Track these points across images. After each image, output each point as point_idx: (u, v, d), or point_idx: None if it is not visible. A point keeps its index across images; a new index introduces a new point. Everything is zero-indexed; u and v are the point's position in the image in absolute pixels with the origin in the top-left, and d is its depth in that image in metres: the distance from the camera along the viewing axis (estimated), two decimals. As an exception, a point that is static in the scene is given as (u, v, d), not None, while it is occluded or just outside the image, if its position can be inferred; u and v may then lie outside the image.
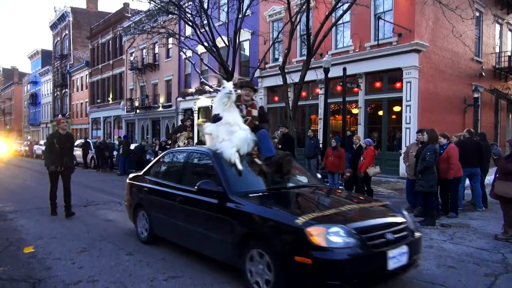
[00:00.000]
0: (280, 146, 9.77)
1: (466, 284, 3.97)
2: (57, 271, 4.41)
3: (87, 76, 40.81)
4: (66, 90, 46.61)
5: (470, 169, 8.05)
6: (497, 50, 18.71)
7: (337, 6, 13.33)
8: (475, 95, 16.52)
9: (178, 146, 8.49)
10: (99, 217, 7.56)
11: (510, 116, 20.02)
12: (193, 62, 19.88)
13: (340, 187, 10.19)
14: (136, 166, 16.70)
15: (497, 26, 18.68)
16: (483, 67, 17.42)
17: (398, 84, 14.41)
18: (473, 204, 8.38)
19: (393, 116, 14.97)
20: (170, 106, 27.31)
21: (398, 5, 14.11)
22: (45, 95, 54.66)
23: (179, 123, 26.30)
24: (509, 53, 19.06)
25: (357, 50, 15.34)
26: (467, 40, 15.62)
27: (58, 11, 48.15)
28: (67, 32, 46.07)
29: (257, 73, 18.61)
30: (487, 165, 8.57)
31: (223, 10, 19.11)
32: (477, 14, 16.60)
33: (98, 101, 38.16)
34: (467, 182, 8.57)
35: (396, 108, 14.69)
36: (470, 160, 7.99)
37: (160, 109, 28.36)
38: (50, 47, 53.25)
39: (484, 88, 17.31)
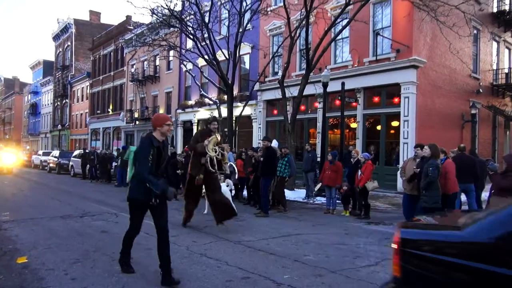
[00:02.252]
0: (261, 159, 9.82)
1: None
2: (50, 282, 4.37)
3: (88, 87, 41.05)
4: (67, 100, 46.83)
5: (464, 185, 8.07)
6: (495, 67, 18.91)
7: (336, 22, 13.56)
8: (473, 111, 16.63)
9: (209, 158, 6.93)
10: (94, 228, 7.52)
11: (507, 132, 20.11)
12: (193, 75, 20.08)
13: (337, 201, 10.18)
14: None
15: (494, 44, 18.92)
16: (481, 83, 17.57)
17: (396, 99, 14.52)
18: (470, 220, 8.35)
19: (391, 131, 15.04)
20: (170, 117, 27.38)
21: (397, 22, 14.32)
22: (45, 105, 54.88)
23: (179, 134, 26.37)
24: (506, 70, 19.25)
25: (355, 65, 15.50)
26: (465, 57, 15.81)
27: (61, 22, 48.72)
28: (69, 43, 46.53)
29: (256, 86, 18.77)
30: (483, 181, 8.59)
31: (224, 24, 19.38)
32: (475, 31, 16.83)
33: (98, 112, 38.30)
34: (463, 197, 8.57)
35: (394, 123, 14.77)
36: (464, 176, 8.01)
37: (160, 120, 28.41)
38: (52, 58, 53.78)
39: (482, 105, 17.43)
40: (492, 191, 5.89)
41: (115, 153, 21.19)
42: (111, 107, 35.94)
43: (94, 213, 9.29)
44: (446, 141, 13.24)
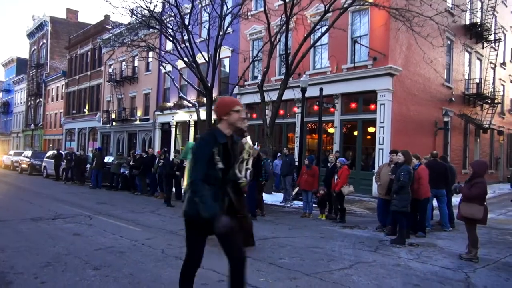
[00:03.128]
0: None
1: (429, 302, 4.07)
2: (18, 286, 4.24)
3: (64, 86, 40.04)
4: (41, 99, 45.52)
5: (436, 190, 8.33)
6: (466, 77, 19.60)
7: (316, 29, 13.76)
8: (445, 119, 17.17)
9: (245, 161, 5.07)
10: (66, 230, 7.33)
11: (477, 140, 20.85)
12: (173, 77, 19.92)
13: (313, 205, 10.29)
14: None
15: (466, 55, 19.63)
16: (453, 92, 18.18)
17: (372, 106, 14.84)
18: (440, 225, 8.62)
19: (368, 137, 15.35)
20: (148, 119, 27.05)
21: (374, 31, 14.66)
22: (18, 104, 53.16)
23: (156, 136, 26.03)
24: (477, 81, 19.99)
25: (334, 72, 15.76)
26: (438, 67, 16.33)
27: (36, 19, 47.42)
28: (44, 41, 45.32)
29: (236, 90, 18.78)
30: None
31: (204, 27, 19.33)
32: (448, 42, 17.42)
33: (74, 112, 37.39)
34: (435, 202, 8.83)
35: (371, 129, 15.08)
36: (436, 182, 8.27)
37: (137, 122, 28.04)
38: (26, 56, 52.15)
39: (454, 113, 18.02)
40: (462, 198, 6.09)
41: (90, 154, 20.72)
42: (87, 107, 35.17)
43: (67, 215, 9.06)
44: (420, 147, 13.60)
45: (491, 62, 21.08)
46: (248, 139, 5.58)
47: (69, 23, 45.43)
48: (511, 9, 24.74)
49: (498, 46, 21.28)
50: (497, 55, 21.30)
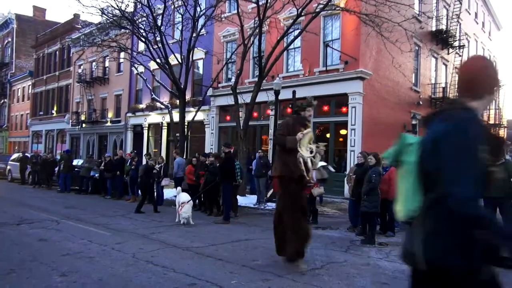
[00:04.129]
0: (218, 164, 9.85)
1: (397, 299, 4.20)
2: (-21, 294, 4.06)
3: (30, 86, 38.59)
4: (5, 100, 43.68)
5: (405, 191, 8.57)
6: (433, 82, 20.33)
7: (288, 32, 13.92)
8: (413, 122, 17.74)
9: (301, 158, 5.02)
10: (32, 236, 7.07)
11: (444, 142, 21.64)
12: (145, 78, 19.60)
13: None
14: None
15: (433, 60, 20.37)
16: (421, 96, 18.82)
17: (344, 109, 15.14)
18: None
19: (340, 139, 15.63)
20: (119, 121, 26.48)
21: (345, 35, 14.97)
22: (-20, 104, 50.76)
23: (128, 138, 25.53)
24: (443, 85, 20.78)
25: (306, 75, 15.97)
26: (407, 71, 16.86)
27: (1, 17, 45.55)
28: (10, 39, 43.56)
29: (209, 92, 18.71)
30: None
31: (178, 28, 19.15)
32: (416, 48, 18.02)
33: (41, 113, 36.09)
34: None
35: (343, 131, 15.37)
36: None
37: (108, 124, 27.39)
38: (-11, 54, 49.90)
39: (421, 116, 18.65)
40: None
41: (58, 157, 20.06)
42: (55, 108, 34.03)
43: (33, 220, 8.74)
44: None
45: (456, 67, 21.96)
46: (307, 132, 5.13)
47: (36, 21, 43.85)
48: (474, 17, 25.91)
49: (463, 52, 22.18)
50: (461, 61, 22.20)
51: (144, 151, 22.38)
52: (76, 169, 16.46)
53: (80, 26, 30.08)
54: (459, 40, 21.52)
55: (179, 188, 9.85)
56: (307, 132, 5.12)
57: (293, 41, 13.97)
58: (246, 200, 12.85)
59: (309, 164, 5.09)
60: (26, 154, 21.92)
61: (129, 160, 13.87)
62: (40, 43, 37.30)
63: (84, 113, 29.69)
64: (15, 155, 22.95)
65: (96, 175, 15.14)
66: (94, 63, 28.72)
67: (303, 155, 5.02)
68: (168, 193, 13.63)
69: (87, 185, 15.58)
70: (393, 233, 7.86)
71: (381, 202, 7.29)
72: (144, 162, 14.61)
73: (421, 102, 18.68)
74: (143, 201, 10.75)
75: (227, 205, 9.44)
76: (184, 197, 8.85)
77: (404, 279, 4.92)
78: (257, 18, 13.24)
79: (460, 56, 21.89)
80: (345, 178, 11.49)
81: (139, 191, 12.05)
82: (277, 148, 5.71)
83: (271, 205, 11.73)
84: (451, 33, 20.37)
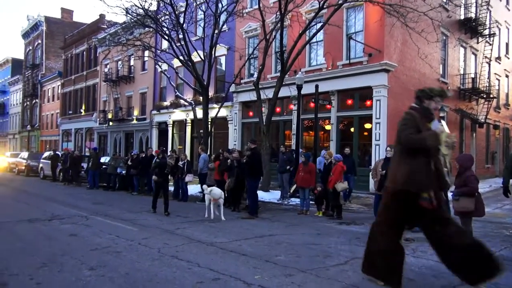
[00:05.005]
0: (245, 160, 9.84)
1: (424, 297, 4.09)
2: (13, 287, 4.24)
3: (59, 86, 39.91)
4: (37, 100, 45.33)
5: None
6: (462, 72, 19.63)
7: (311, 26, 13.75)
8: (441, 114, 17.19)
9: (444, 155, 3.94)
10: (63, 231, 7.33)
11: (474, 135, 20.91)
12: (169, 76, 19.89)
13: (310, 202, 10.32)
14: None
15: (461, 49, 19.66)
16: (449, 87, 18.21)
17: (368, 102, 14.85)
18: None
19: (365, 133, 15.36)
20: (144, 119, 27.01)
21: (369, 27, 14.66)
22: (13, 105, 52.93)
23: (154, 135, 26.02)
24: (472, 75, 20.03)
25: (329, 68, 15.76)
26: (433, 62, 16.35)
27: (31, 19, 47.17)
28: (39, 41, 45.11)
29: (232, 88, 18.78)
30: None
31: (200, 25, 19.29)
32: (443, 37, 17.44)
33: (70, 112, 37.29)
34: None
35: (367, 125, 15.09)
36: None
37: (134, 121, 27.99)
38: (21, 56, 51.89)
39: (450, 108, 18.07)
40: (453, 194, 6.14)
41: (88, 154, 20.69)
42: (83, 107, 35.06)
43: (64, 216, 9.05)
44: (416, 143, 13.65)
45: (486, 57, 21.12)
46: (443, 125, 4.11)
47: (64, 23, 45.21)
48: (505, 3, 24.79)
49: (493, 40, 21.32)
50: (491, 50, 21.34)
51: (169, 148, 22.75)
52: (104, 166, 16.92)
53: (105, 26, 30.81)
54: (489, 28, 20.68)
55: (205, 186, 9.85)
56: (442, 125, 4.11)
57: (315, 34, 13.81)
58: (270, 196, 12.86)
59: (447, 165, 3.99)
60: (57, 152, 22.72)
61: (155, 158, 14.11)
62: (68, 44, 38.46)
63: (111, 111, 30.44)
64: (46, 153, 23.82)
65: (123, 172, 15.52)
66: (119, 62, 29.36)
67: (445, 153, 3.90)
68: (193, 189, 13.82)
69: (115, 181, 15.99)
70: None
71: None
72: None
73: (449, 94, 18.07)
74: (156, 197, 10.01)
75: (253, 200, 9.47)
76: (218, 192, 8.99)
77: (431, 275, 4.81)
78: (278, 13, 13.14)
79: (490, 44, 21.05)
80: (370, 172, 11.29)
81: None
82: (395, 150, 4.53)
83: (295, 201, 11.69)
84: (481, 21, 19.60)
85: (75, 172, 18.13)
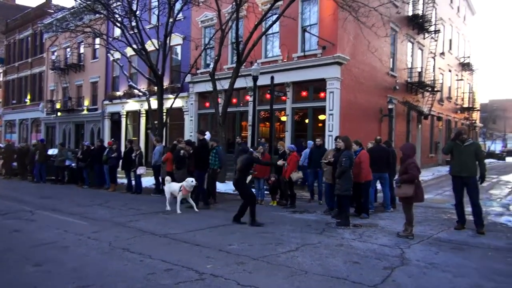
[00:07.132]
0: (191, 151, 9.85)
1: (365, 277, 4.35)
2: (-52, 287, 4.00)
3: (1, 74, 37.22)
4: (-25, 88, 42.01)
5: (379, 174, 8.82)
6: (409, 66, 20.65)
7: (266, 17, 13.81)
8: (390, 106, 18.03)
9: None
10: (6, 227, 6.95)
11: (419, 126, 22.14)
12: (121, 65, 19.19)
13: (265, 192, 10.50)
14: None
15: (409, 45, 20.63)
16: (397, 81, 19.10)
17: (322, 94, 15.24)
18: (383, 206, 9.15)
19: (319, 124, 15.76)
20: (96, 109, 25.93)
21: (323, 20, 14.98)
22: (-51, 93, 48.72)
23: (106, 126, 24.98)
24: (419, 69, 21.13)
25: (285, 60, 15.95)
26: (383, 56, 17.05)
27: (-33, 1, 43.44)
28: (-23, 24, 41.66)
29: (188, 78, 18.48)
30: (394, 169, 9.39)
31: (154, 13, 18.71)
32: (392, 32, 18.20)
33: (14, 102, 34.93)
34: (379, 186, 9.33)
35: (321, 117, 15.50)
36: (379, 166, 8.75)
37: (85, 112, 26.79)
38: (-44, 40, 47.73)
39: (398, 100, 18.98)
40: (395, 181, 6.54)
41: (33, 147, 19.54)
42: (29, 97, 32.99)
43: (6, 211, 8.58)
44: (367, 134, 14.26)
45: (431, 52, 22.34)
46: None
47: (5, 5, 42.12)
48: (449, 2, 26.29)
49: (438, 37, 22.54)
50: (436, 46, 22.59)
51: (123, 139, 22.07)
52: (51, 159, 16.11)
53: (52, 11, 29.01)
54: (435, 25, 21.83)
55: (168, 177, 9.70)
56: None
57: (271, 26, 13.88)
58: (226, 187, 12.91)
59: None
60: (0, 144, 21.29)
61: (107, 149, 13.64)
62: (11, 29, 35.85)
63: (59, 101, 28.88)
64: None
65: (73, 164, 14.87)
66: (68, 50, 27.84)
67: None
68: (147, 181, 13.57)
69: (63, 175, 15.29)
70: (367, 215, 8.08)
71: (354, 185, 7.46)
72: (123, 149, 14.40)
73: (397, 87, 18.97)
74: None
75: (203, 191, 9.52)
76: (176, 187, 8.89)
77: (375, 258, 5.12)
78: (234, 3, 13.08)
79: (435, 41, 22.25)
80: (321, 162, 11.64)
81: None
82: None
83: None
84: (427, 18, 20.64)
85: (21, 165, 17.10)
